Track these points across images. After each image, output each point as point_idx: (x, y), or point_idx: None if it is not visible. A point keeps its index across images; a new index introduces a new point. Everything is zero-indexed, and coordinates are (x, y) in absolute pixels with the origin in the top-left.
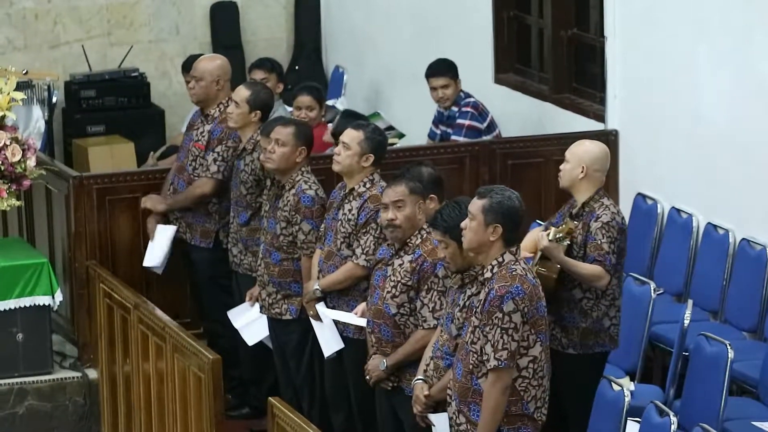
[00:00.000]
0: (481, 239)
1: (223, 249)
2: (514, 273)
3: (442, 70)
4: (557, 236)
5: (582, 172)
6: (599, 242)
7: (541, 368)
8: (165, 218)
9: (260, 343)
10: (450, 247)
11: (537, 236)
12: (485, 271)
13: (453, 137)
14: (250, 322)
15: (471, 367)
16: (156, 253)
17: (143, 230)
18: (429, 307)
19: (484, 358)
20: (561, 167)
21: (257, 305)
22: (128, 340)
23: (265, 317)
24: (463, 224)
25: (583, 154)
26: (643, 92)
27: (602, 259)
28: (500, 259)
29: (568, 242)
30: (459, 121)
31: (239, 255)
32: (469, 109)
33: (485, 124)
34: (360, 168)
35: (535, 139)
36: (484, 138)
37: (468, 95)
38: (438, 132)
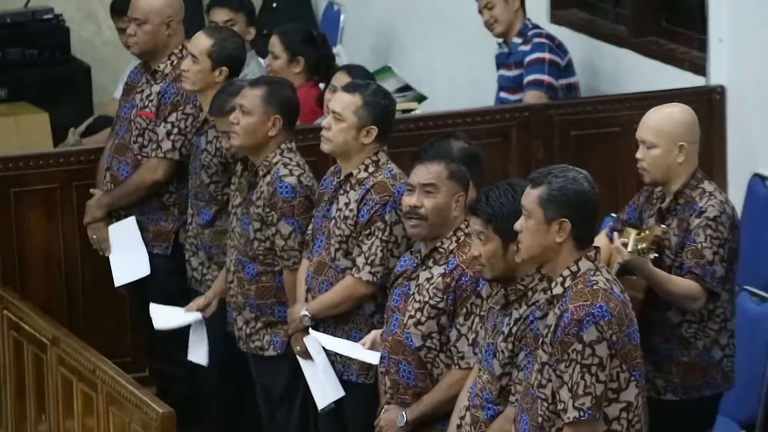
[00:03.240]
0: (543, 242)
1: (183, 256)
2: (594, 287)
3: None
4: (639, 247)
5: (680, 152)
6: (700, 247)
7: (638, 417)
8: (108, 219)
9: (228, 380)
10: (490, 243)
11: (608, 246)
12: (554, 285)
13: (531, 77)
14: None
15: (540, 420)
16: (128, 261)
17: (64, 235)
18: (468, 339)
19: (560, 407)
20: (640, 156)
21: (194, 314)
22: (44, 388)
23: (197, 314)
24: (517, 226)
25: (673, 128)
26: (758, 34)
27: (701, 273)
28: (574, 268)
29: (656, 254)
30: (536, 55)
31: (200, 268)
32: (543, 40)
33: (565, 62)
34: (358, 146)
35: (609, 101)
36: (542, 101)
37: (536, 25)
38: (510, 74)
